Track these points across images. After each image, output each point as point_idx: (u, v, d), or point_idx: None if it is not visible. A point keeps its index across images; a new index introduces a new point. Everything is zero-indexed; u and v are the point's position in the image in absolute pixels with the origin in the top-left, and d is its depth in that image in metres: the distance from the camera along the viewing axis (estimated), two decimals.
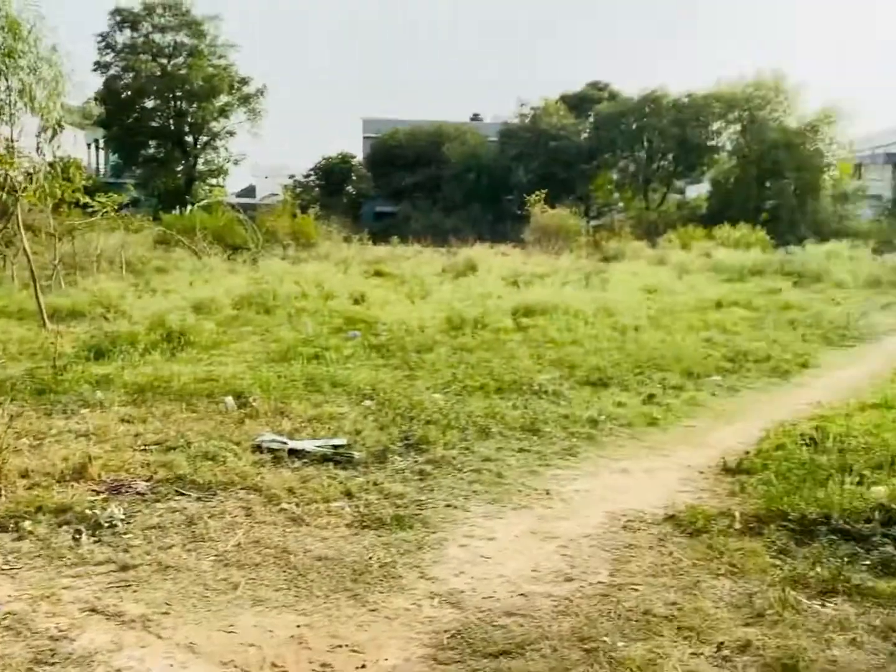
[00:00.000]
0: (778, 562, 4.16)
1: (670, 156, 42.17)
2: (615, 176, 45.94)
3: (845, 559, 4.13)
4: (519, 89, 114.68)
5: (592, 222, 39.71)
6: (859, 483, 5.22)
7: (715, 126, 41.17)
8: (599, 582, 3.99)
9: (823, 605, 3.70)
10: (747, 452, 6.07)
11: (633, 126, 40.75)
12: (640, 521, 4.81)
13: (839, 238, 31.02)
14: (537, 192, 30.27)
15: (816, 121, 38.59)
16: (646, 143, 42.29)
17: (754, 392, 8.67)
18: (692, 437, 6.82)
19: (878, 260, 25.23)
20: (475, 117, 55.49)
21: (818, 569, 4.02)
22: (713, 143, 41.42)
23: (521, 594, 3.87)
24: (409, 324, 11.55)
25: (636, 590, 3.89)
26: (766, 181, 39.75)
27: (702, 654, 3.30)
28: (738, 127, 40.56)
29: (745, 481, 5.40)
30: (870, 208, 43.15)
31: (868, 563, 4.11)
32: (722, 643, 3.36)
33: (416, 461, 5.79)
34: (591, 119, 42.53)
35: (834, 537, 4.39)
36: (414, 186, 43.54)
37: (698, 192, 47.05)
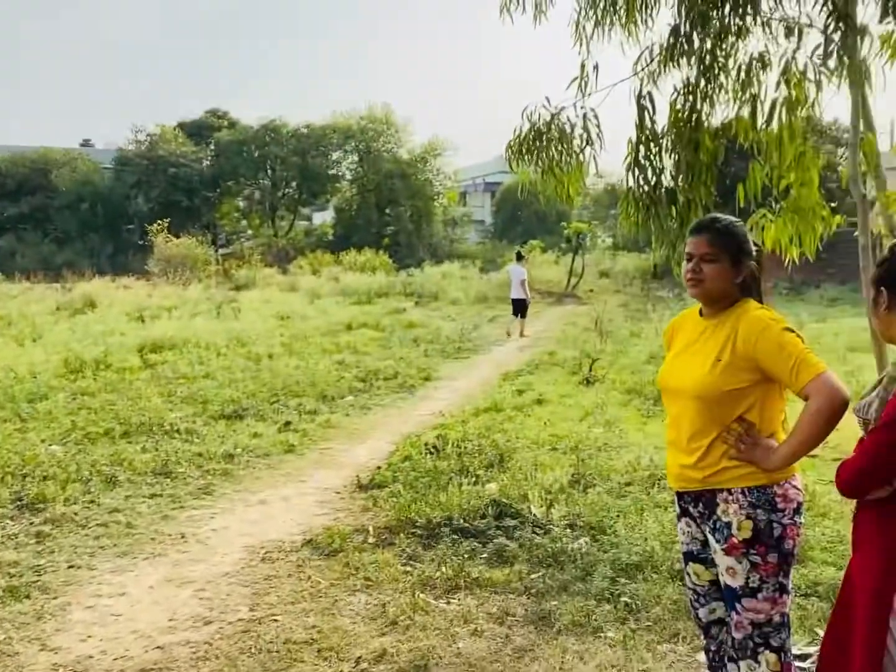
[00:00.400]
0: (409, 568, 4.44)
1: (294, 183, 42.99)
2: (241, 203, 45.69)
3: (465, 556, 4.55)
4: (131, 115, 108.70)
5: (221, 251, 38.98)
6: (475, 483, 5.82)
7: (334, 156, 42.88)
8: (239, 619, 3.91)
9: (448, 603, 4.02)
10: (379, 467, 6.43)
11: (256, 154, 40.89)
12: (279, 550, 4.82)
13: (451, 260, 34.30)
14: (160, 221, 28.96)
15: (424, 153, 42.24)
16: (269, 171, 42.70)
17: (384, 408, 9.19)
18: (328, 459, 7.03)
19: (484, 278, 28.32)
20: (85, 143, 51.50)
21: (443, 569, 4.37)
22: (334, 171, 43.05)
23: (158, 647, 3.66)
24: (17, 370, 10.32)
25: (276, 620, 3.88)
26: (386, 208, 42.51)
27: (341, 671, 3.40)
28: (355, 157, 42.76)
29: (378, 495, 5.70)
30: (475, 232, 48.47)
31: (485, 556, 4.57)
32: (360, 657, 3.49)
33: (31, 523, 5.21)
34: (212, 147, 41.84)
35: (456, 537, 4.81)
36: (19, 217, 38.94)
37: (324, 218, 48.77)
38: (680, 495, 2.75)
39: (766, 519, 2.51)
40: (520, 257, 17.34)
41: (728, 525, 2.55)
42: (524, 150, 4.91)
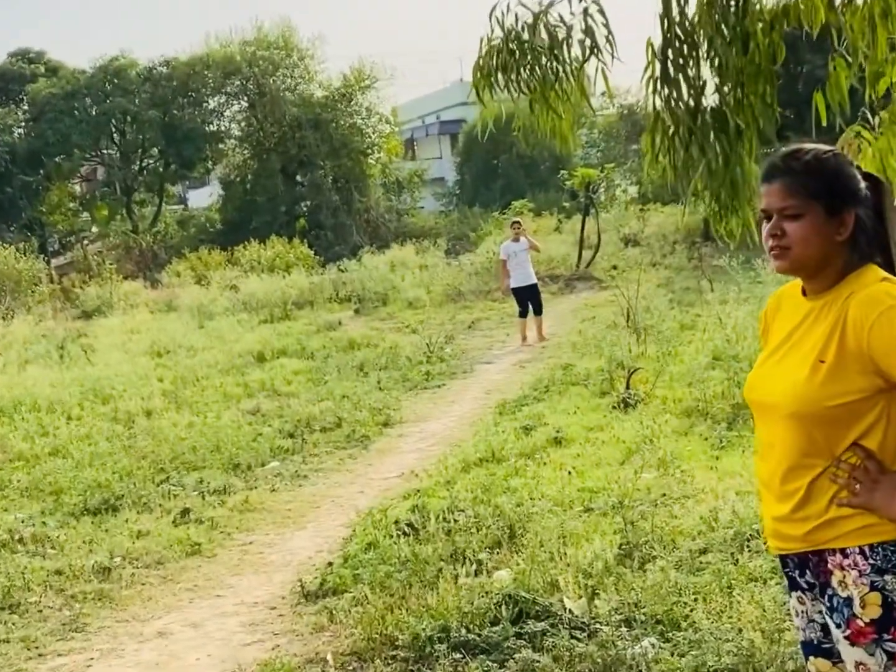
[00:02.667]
0: None
1: (156, 150, 42.88)
2: (78, 188, 45.37)
3: None
4: None
5: (56, 261, 38.69)
6: (477, 572, 5.85)
7: (212, 104, 42.83)
8: None
9: None
10: (330, 564, 6.44)
11: (93, 112, 40.66)
12: None
13: (402, 241, 34.38)
14: None
15: (346, 87, 42.34)
16: (116, 136, 42.53)
17: (328, 474, 9.23)
18: (253, 559, 7.05)
19: (453, 264, 28.41)
20: None
21: None
22: (214, 128, 43.04)
23: None
24: None
25: None
26: (296, 174, 42.56)
27: None
28: (244, 103, 42.73)
29: (334, 606, 5.71)
30: (433, 197, 48.70)
31: None
32: None
33: None
34: (26, 107, 41.51)
35: (458, 655, 4.81)
36: None
37: (206, 198, 48.62)
38: (782, 560, 2.80)
39: None
40: (516, 223, 17.51)
41: (848, 601, 2.58)
42: (498, 71, 4.91)
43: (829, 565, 2.62)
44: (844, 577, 2.58)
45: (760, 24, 4.63)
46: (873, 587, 2.54)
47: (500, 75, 4.91)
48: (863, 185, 2.69)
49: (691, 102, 4.72)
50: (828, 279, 2.66)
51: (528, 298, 16.49)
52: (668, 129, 4.75)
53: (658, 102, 4.72)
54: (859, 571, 2.55)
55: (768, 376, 2.74)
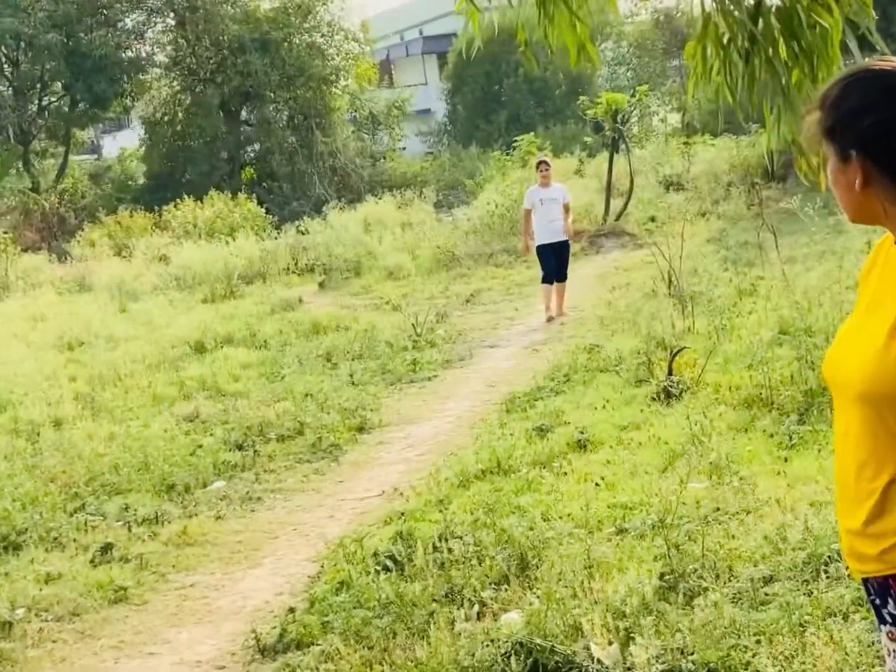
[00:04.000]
0: None
1: (59, 84, 42.76)
2: None
3: None
4: None
5: None
6: (479, 615, 5.88)
7: (129, 22, 42.74)
8: None
9: None
10: (292, 610, 6.45)
11: None
12: None
13: (378, 193, 34.36)
14: None
15: None
16: (7, 68, 42.41)
17: (287, 495, 9.23)
18: (195, 605, 7.05)
19: (445, 221, 28.39)
20: None
21: None
22: (132, 54, 42.94)
23: None
24: None
25: None
26: (240, 109, 42.53)
27: None
28: (170, 20, 42.61)
29: (299, 663, 5.74)
30: (417, 137, 48.63)
31: None
32: None
33: None
34: None
35: None
36: None
37: (125, 145, 48.51)
38: (865, 585, 2.83)
39: None
40: (543, 164, 17.15)
41: None
42: None
43: None
44: None
45: None
46: None
47: None
48: (887, 119, 2.61)
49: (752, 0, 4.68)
50: None
51: (557, 259, 16.37)
52: (721, 37, 4.72)
53: (708, 1, 4.70)
54: None
55: (846, 347, 2.76)
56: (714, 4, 4.71)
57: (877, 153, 2.60)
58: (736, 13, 4.69)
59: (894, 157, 2.60)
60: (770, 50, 4.68)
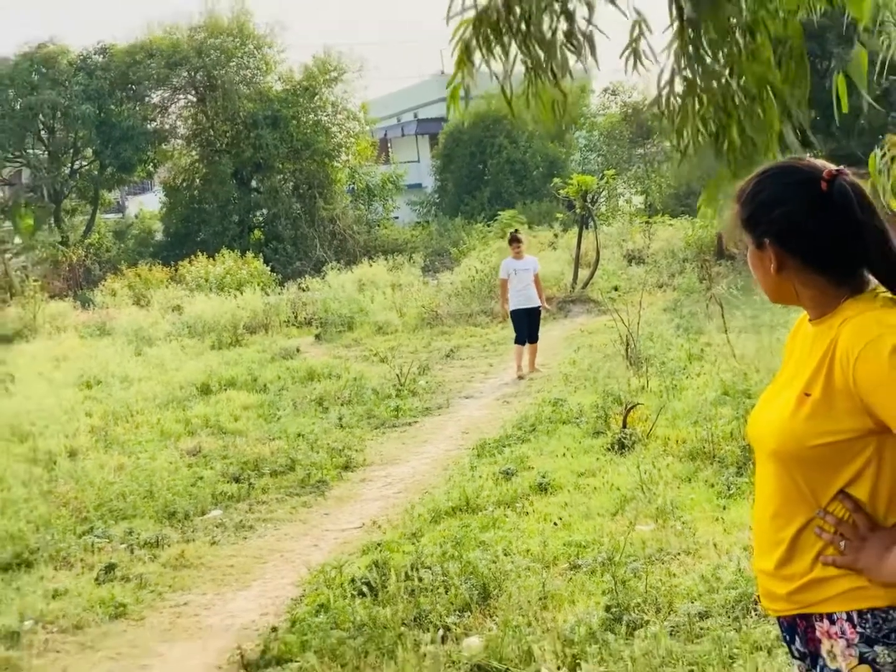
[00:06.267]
0: None
1: (90, 151, 42.89)
2: None
3: None
4: None
5: None
6: (444, 639, 5.86)
7: (155, 97, 42.94)
8: None
9: None
10: (275, 629, 6.43)
11: (17, 106, 40.69)
12: None
13: (373, 256, 34.49)
14: None
15: (309, 79, 42.50)
16: (44, 134, 42.52)
17: (277, 525, 9.20)
18: (187, 622, 7.02)
19: (431, 284, 28.48)
20: None
21: None
22: (157, 124, 43.10)
23: None
24: None
25: None
26: (251, 179, 42.67)
27: None
28: (191, 96, 42.83)
29: None
30: (409, 206, 48.86)
31: None
32: None
33: None
34: None
35: None
36: None
37: (147, 206, 48.62)
38: (779, 623, 2.84)
39: (893, 661, 2.53)
40: (515, 240, 17.24)
41: None
42: (484, 41, 4.82)
43: (817, 632, 2.63)
44: (832, 646, 2.59)
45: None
46: (863, 659, 2.54)
47: (488, 48, 4.82)
48: (794, 211, 2.66)
49: (722, 79, 4.66)
50: (815, 308, 2.72)
51: (529, 322, 16.40)
52: (696, 115, 4.71)
53: (689, 74, 4.69)
54: (847, 641, 2.56)
55: (765, 410, 2.79)
56: (693, 75, 4.71)
57: (787, 240, 2.66)
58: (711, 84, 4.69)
59: (802, 242, 2.65)
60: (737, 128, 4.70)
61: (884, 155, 4.90)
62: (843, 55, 20.09)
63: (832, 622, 2.59)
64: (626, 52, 4.68)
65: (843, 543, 2.55)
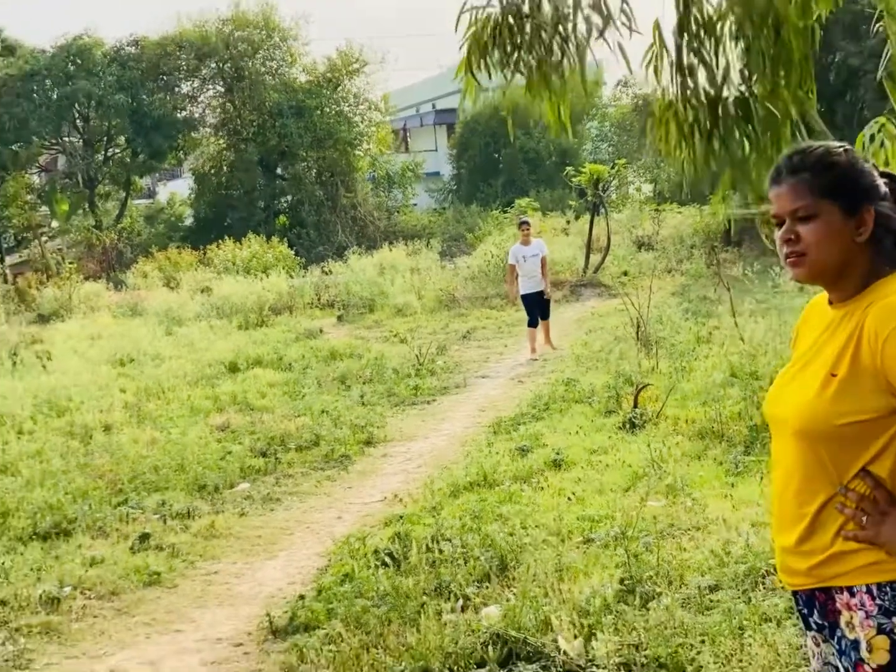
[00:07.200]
0: None
1: (122, 139, 42.93)
2: (37, 179, 45.36)
3: None
4: None
5: (10, 259, 38.71)
6: (463, 608, 5.86)
7: (184, 88, 42.91)
8: None
9: None
10: (302, 597, 6.43)
11: (54, 96, 40.71)
12: None
13: (392, 241, 34.45)
14: None
15: (332, 71, 42.44)
16: (79, 123, 42.54)
17: (302, 498, 9.24)
18: (217, 590, 7.04)
19: (448, 267, 28.47)
20: None
21: None
22: (186, 114, 43.09)
23: None
24: None
25: None
26: (276, 167, 42.65)
27: None
28: (219, 87, 42.80)
29: (305, 644, 5.70)
30: (426, 193, 48.77)
31: None
32: None
33: None
34: None
35: None
36: None
37: (177, 192, 48.64)
38: (794, 597, 2.84)
39: None
40: (524, 223, 17.44)
41: (855, 645, 2.60)
42: (492, 50, 4.86)
43: (837, 604, 2.63)
44: (852, 618, 2.59)
45: (794, 9, 4.60)
46: (881, 630, 2.54)
47: (495, 52, 4.86)
48: (880, 180, 2.71)
49: (712, 92, 4.70)
50: (850, 287, 2.68)
51: (539, 305, 16.47)
52: (684, 121, 4.73)
53: (673, 90, 4.70)
54: (866, 612, 2.56)
55: (785, 389, 2.78)
56: (678, 93, 4.71)
57: (880, 209, 2.66)
58: (695, 101, 4.71)
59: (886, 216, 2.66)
60: (725, 131, 4.71)
61: (872, 137, 4.86)
62: (848, 49, 20.10)
63: (852, 595, 2.58)
64: (646, 62, 4.68)
65: (864, 519, 2.55)
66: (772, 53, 4.61)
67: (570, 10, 4.76)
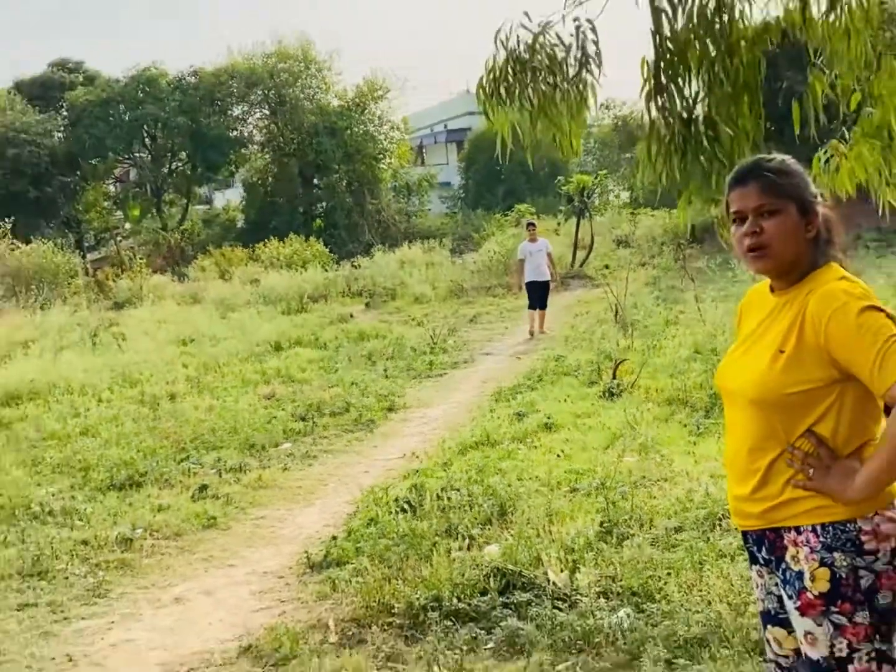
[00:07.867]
0: None
1: (184, 154, 42.96)
2: (112, 188, 45.41)
3: (465, 648, 4.59)
4: None
5: (91, 256, 38.77)
6: (469, 547, 5.90)
7: (236, 111, 42.87)
8: None
9: None
10: (334, 538, 6.46)
11: (126, 118, 40.69)
12: (208, 665, 4.84)
13: (411, 241, 34.41)
14: None
15: (360, 97, 42.37)
16: (148, 141, 42.59)
17: (335, 455, 9.28)
18: (264, 532, 7.08)
19: (458, 262, 28.46)
20: None
21: (436, 669, 4.40)
22: (237, 133, 43.07)
23: None
24: None
25: None
26: (313, 177, 42.58)
27: None
28: (265, 111, 42.80)
29: (337, 576, 5.73)
30: (439, 200, 48.69)
31: (491, 645, 4.63)
32: None
33: None
34: (65, 112, 41.57)
35: (449, 623, 4.85)
36: None
37: (229, 199, 48.65)
38: (744, 536, 2.87)
39: (848, 565, 2.55)
40: (531, 224, 17.55)
41: (800, 575, 2.62)
42: (501, 89, 4.92)
43: (784, 542, 2.66)
44: (797, 552, 2.62)
45: (744, 42, 4.61)
46: (823, 563, 2.56)
47: (504, 95, 4.92)
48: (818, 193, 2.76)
49: (684, 113, 4.71)
50: (793, 277, 2.71)
51: (540, 292, 16.52)
52: (663, 138, 4.74)
53: (654, 112, 4.72)
54: (811, 548, 2.59)
55: (735, 365, 2.80)
56: (658, 113, 4.72)
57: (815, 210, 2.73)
58: (672, 121, 4.71)
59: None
60: (697, 148, 4.71)
61: (827, 159, 4.86)
62: (794, 78, 19.96)
63: (798, 533, 2.61)
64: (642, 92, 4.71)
65: (811, 471, 2.58)
66: (727, 80, 4.62)
67: (563, 56, 4.83)
